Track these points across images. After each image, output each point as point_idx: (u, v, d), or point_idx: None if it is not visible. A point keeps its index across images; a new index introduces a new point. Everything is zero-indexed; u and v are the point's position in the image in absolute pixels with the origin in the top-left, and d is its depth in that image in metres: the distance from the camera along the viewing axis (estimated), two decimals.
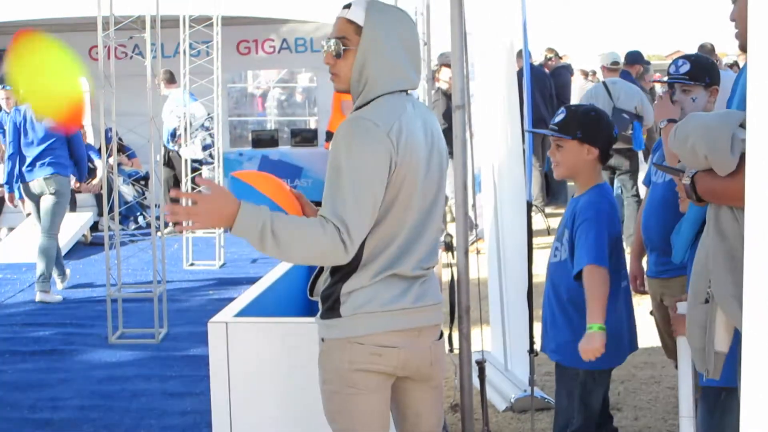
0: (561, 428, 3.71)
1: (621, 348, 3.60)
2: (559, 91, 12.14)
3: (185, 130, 9.19)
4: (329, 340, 2.69)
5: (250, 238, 2.49)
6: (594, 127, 3.51)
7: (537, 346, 4.29)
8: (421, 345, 2.72)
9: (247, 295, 3.87)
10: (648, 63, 10.64)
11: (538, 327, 4.60)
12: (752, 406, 1.27)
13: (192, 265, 8.84)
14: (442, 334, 2.87)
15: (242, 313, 3.60)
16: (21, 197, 7.65)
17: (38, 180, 7.41)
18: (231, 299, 7.33)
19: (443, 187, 2.78)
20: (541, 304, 3.77)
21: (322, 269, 2.75)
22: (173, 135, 9.96)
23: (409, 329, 2.68)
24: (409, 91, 2.73)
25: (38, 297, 7.43)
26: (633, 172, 8.72)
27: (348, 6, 2.67)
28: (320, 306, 2.71)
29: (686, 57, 3.85)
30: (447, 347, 3.25)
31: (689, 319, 2.52)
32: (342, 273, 2.64)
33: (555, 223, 11.24)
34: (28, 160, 7.41)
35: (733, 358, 2.49)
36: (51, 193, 7.43)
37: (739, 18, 2.53)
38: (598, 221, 3.40)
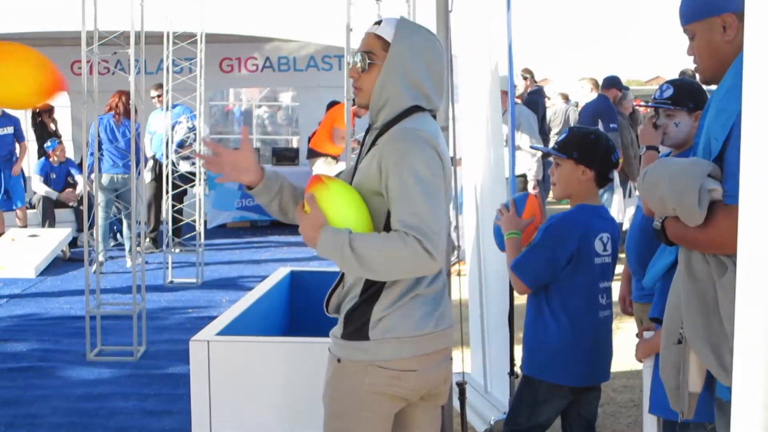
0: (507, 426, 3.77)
1: (585, 370, 3.63)
2: None
3: (194, 142, 9.15)
4: (348, 361, 2.66)
5: (333, 257, 2.50)
6: (590, 149, 3.55)
7: (517, 369, 4.32)
8: (437, 365, 2.71)
9: (229, 313, 3.86)
10: (626, 88, 10.69)
11: (518, 349, 4.60)
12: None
13: (171, 282, 8.80)
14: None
15: (224, 332, 3.59)
16: None
17: None
18: (211, 317, 7.31)
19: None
20: (521, 326, 3.79)
21: (337, 284, 2.74)
22: (180, 145, 9.89)
23: (430, 353, 2.67)
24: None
25: None
26: None
27: (379, 22, 2.70)
28: (342, 325, 2.68)
29: (671, 82, 3.86)
30: None
31: (663, 357, 2.54)
32: (370, 293, 2.63)
33: None
34: None
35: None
36: None
37: (699, 54, 2.52)
38: (544, 240, 3.51)
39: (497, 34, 4.48)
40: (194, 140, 9.45)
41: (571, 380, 3.62)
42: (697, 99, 3.77)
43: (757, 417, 1.25)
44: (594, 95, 10.79)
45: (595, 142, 3.59)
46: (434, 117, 2.73)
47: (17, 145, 10.60)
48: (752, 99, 1.29)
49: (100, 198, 9.20)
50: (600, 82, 10.87)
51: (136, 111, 6.85)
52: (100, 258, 9.55)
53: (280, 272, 4.75)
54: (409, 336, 2.62)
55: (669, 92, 3.75)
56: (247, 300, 4.12)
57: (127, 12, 6.30)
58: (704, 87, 2.91)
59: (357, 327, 2.64)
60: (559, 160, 3.58)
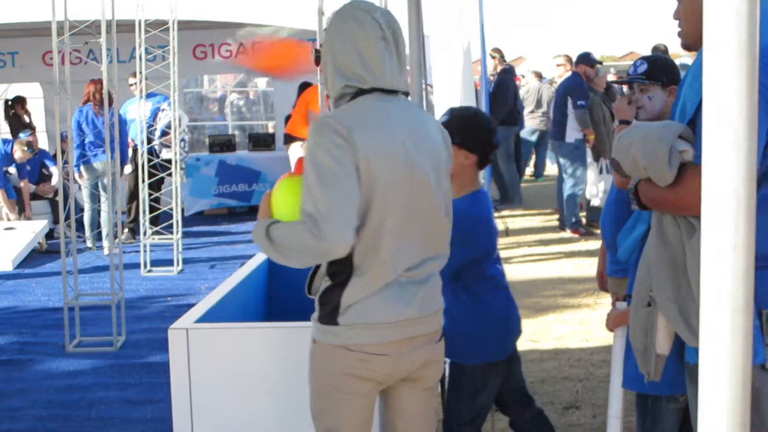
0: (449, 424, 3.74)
1: (502, 342, 3.66)
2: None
3: (174, 130, 9.09)
4: (322, 343, 2.70)
5: (261, 245, 2.63)
6: (472, 133, 3.51)
7: None
8: (412, 350, 2.71)
9: (207, 300, 3.86)
10: (598, 63, 10.68)
11: None
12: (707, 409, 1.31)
13: (150, 271, 8.78)
14: (443, 336, 2.86)
15: (202, 319, 3.59)
16: None
17: None
18: (190, 305, 7.28)
19: (441, 191, 2.75)
20: None
21: (318, 267, 2.75)
22: (163, 133, 9.84)
23: (404, 338, 2.68)
24: (400, 94, 2.72)
25: None
26: None
27: None
28: (317, 308, 2.71)
29: (645, 57, 3.95)
30: None
31: (632, 320, 2.57)
32: (340, 278, 2.65)
33: (513, 224, 11.29)
34: None
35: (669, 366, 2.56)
36: None
37: (684, 17, 2.55)
38: (463, 239, 3.32)
39: (469, 14, 4.48)
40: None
41: (502, 353, 3.65)
42: (671, 74, 3.84)
43: (725, 376, 1.27)
44: (569, 73, 10.85)
45: (476, 124, 3.56)
46: (395, 93, 2.69)
47: None
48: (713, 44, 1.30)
49: (85, 186, 9.17)
50: (573, 59, 10.94)
51: (111, 100, 6.81)
52: (89, 245, 9.54)
53: (258, 258, 4.75)
54: (382, 323, 2.63)
55: (643, 68, 3.84)
56: (225, 287, 4.12)
57: (98, 1, 6.25)
58: (684, 53, 2.97)
59: (328, 311, 2.67)
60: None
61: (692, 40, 2.53)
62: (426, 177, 2.68)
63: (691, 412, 2.57)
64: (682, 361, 2.51)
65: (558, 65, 11.53)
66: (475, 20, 4.25)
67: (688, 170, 2.28)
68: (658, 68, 3.83)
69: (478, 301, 3.57)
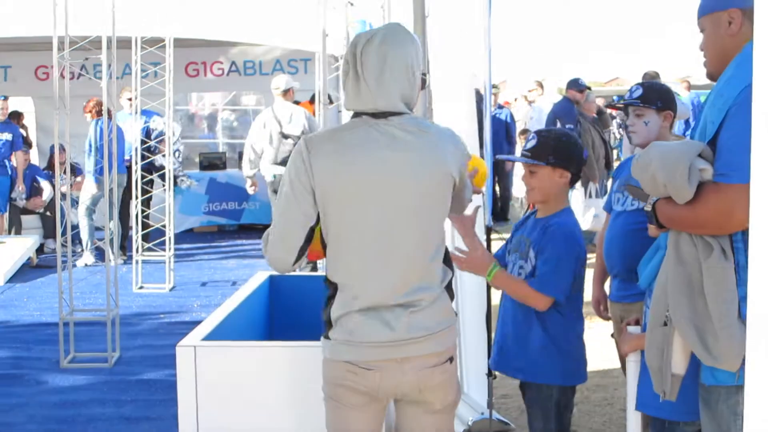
0: None
1: (583, 367, 3.67)
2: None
3: (167, 141, 9.11)
4: (323, 355, 2.83)
5: None
6: (567, 152, 3.55)
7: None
8: (405, 371, 2.73)
9: (213, 318, 3.87)
10: (588, 88, 10.82)
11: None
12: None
13: (141, 288, 8.76)
14: (451, 359, 2.84)
15: (209, 337, 3.60)
16: None
17: None
18: (184, 323, 7.32)
19: (422, 216, 2.73)
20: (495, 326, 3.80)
21: None
22: (158, 140, 9.88)
23: (397, 358, 2.71)
24: (392, 116, 2.70)
25: None
26: None
27: None
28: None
29: (641, 83, 4.03)
30: None
31: (648, 340, 2.61)
32: (330, 292, 2.78)
33: None
34: None
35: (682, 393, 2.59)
36: None
37: (706, 48, 2.63)
38: (568, 253, 3.45)
39: (474, 39, 4.53)
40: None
41: (582, 377, 3.68)
42: (665, 98, 3.91)
43: None
44: (543, 97, 11.21)
45: (569, 144, 3.59)
46: (374, 116, 2.70)
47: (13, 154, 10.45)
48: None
49: (85, 205, 9.21)
50: (544, 84, 11.33)
51: (110, 114, 6.84)
52: (89, 256, 9.54)
53: (259, 277, 4.77)
54: (364, 342, 2.70)
55: (638, 92, 3.90)
56: (229, 305, 4.13)
57: (91, 18, 6.29)
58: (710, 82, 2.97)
59: (324, 324, 2.81)
60: (534, 167, 3.55)
61: (713, 69, 2.60)
62: (409, 203, 2.68)
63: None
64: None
65: (530, 90, 11.87)
66: (480, 45, 4.29)
67: (707, 187, 2.34)
68: (652, 93, 3.90)
69: (579, 317, 3.60)
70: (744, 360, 1.82)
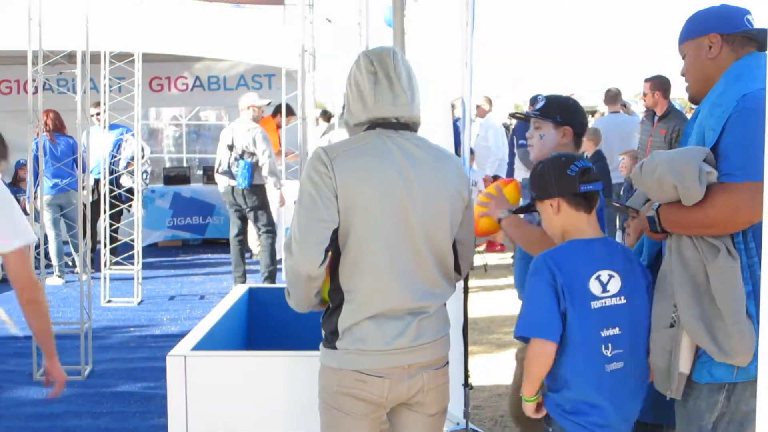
0: None
1: None
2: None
3: (136, 161, 9.11)
4: (324, 364, 2.87)
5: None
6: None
7: (471, 380, 4.45)
8: (411, 377, 2.83)
9: (200, 329, 3.93)
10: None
11: (472, 361, 4.75)
12: None
13: (109, 302, 8.75)
14: (447, 363, 2.97)
15: (197, 348, 3.67)
16: None
17: None
18: (153, 336, 7.33)
19: (435, 226, 2.82)
20: (474, 340, 3.81)
21: None
22: (126, 164, 9.87)
23: (403, 365, 2.81)
24: (406, 131, 2.86)
25: None
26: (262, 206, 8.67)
27: None
28: (322, 331, 2.87)
29: (547, 95, 3.83)
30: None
31: (653, 342, 2.73)
32: (336, 302, 2.81)
33: (491, 260, 11.32)
34: None
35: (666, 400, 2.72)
36: None
37: (687, 72, 2.78)
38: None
39: (451, 53, 4.65)
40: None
41: None
42: (567, 114, 3.70)
43: None
44: (491, 113, 11.57)
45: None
46: (385, 126, 2.82)
47: None
48: None
49: (47, 217, 9.11)
50: (492, 100, 11.65)
51: (63, 127, 6.85)
52: (57, 275, 9.46)
53: (239, 290, 4.84)
54: (375, 349, 2.77)
55: (541, 104, 3.76)
56: (213, 316, 4.19)
57: (59, 33, 6.34)
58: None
59: (327, 335, 2.85)
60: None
61: (695, 92, 2.75)
62: (421, 215, 2.79)
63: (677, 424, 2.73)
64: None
65: (477, 105, 12.05)
66: (458, 59, 4.40)
67: (715, 188, 2.48)
68: (554, 106, 3.72)
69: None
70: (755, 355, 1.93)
